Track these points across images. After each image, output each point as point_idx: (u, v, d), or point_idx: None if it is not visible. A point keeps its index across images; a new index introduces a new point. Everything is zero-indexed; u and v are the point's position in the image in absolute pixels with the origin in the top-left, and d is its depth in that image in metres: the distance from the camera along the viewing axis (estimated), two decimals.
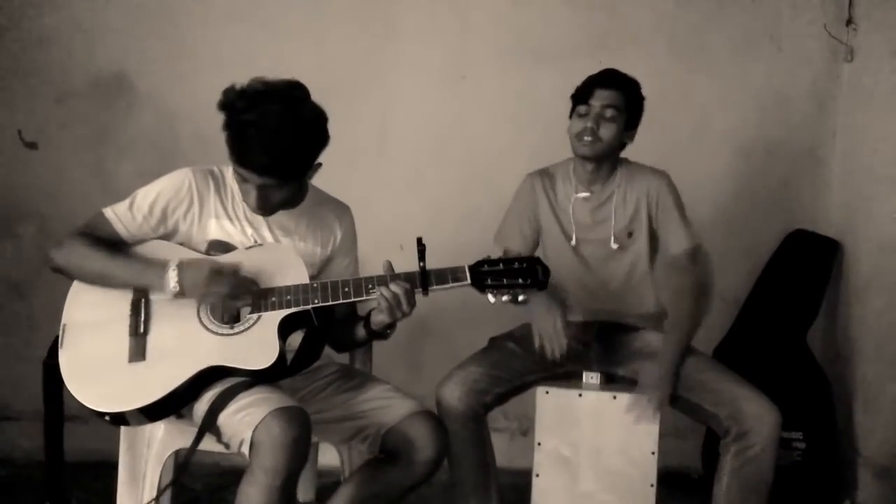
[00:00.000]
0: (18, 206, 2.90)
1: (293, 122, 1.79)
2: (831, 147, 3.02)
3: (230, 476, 2.54)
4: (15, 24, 2.85)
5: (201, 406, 1.79)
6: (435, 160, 2.96)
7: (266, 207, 1.89)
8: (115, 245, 1.88)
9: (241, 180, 1.86)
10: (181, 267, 1.80)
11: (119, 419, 1.81)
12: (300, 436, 1.68)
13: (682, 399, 2.21)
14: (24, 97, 2.88)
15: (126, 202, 1.90)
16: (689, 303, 2.25)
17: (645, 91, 2.30)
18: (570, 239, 2.32)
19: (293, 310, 1.83)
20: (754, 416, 2.08)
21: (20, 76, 2.87)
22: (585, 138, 2.21)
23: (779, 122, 3.03)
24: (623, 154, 2.35)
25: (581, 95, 2.24)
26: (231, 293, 1.81)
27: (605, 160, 2.28)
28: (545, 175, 2.38)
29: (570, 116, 2.29)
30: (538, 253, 2.36)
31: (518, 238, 2.35)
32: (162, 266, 1.81)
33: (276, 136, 1.76)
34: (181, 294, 1.80)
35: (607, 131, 2.21)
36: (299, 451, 1.68)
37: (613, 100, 2.21)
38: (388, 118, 2.95)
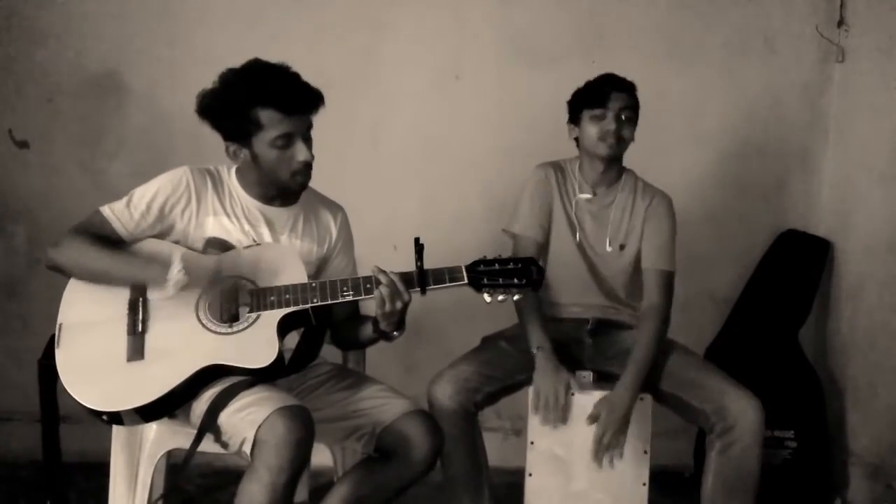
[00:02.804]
0: (9, 206, 2.89)
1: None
2: (823, 147, 3.03)
3: (223, 477, 2.54)
4: (6, 22, 2.83)
5: (200, 405, 1.79)
6: (429, 160, 2.96)
7: (312, 161, 1.89)
8: (114, 243, 1.87)
9: (285, 146, 1.84)
10: (185, 261, 1.79)
11: (116, 419, 1.80)
12: (304, 434, 1.69)
13: (673, 396, 2.22)
14: (15, 96, 2.86)
15: (123, 200, 1.89)
16: (650, 324, 2.25)
17: (638, 91, 2.31)
18: (574, 234, 2.34)
19: (292, 309, 1.83)
20: (737, 411, 2.09)
21: (11, 74, 2.85)
22: (609, 140, 2.24)
23: (771, 123, 3.04)
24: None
25: (595, 100, 2.25)
26: (231, 292, 1.81)
27: (616, 161, 2.32)
28: (557, 167, 2.39)
29: (576, 122, 2.31)
30: None
31: (536, 225, 2.34)
32: (164, 261, 1.80)
33: (294, 74, 1.85)
34: (185, 287, 1.79)
35: (628, 132, 2.27)
36: (303, 450, 1.69)
37: (628, 101, 2.26)
38: (381, 118, 2.94)
